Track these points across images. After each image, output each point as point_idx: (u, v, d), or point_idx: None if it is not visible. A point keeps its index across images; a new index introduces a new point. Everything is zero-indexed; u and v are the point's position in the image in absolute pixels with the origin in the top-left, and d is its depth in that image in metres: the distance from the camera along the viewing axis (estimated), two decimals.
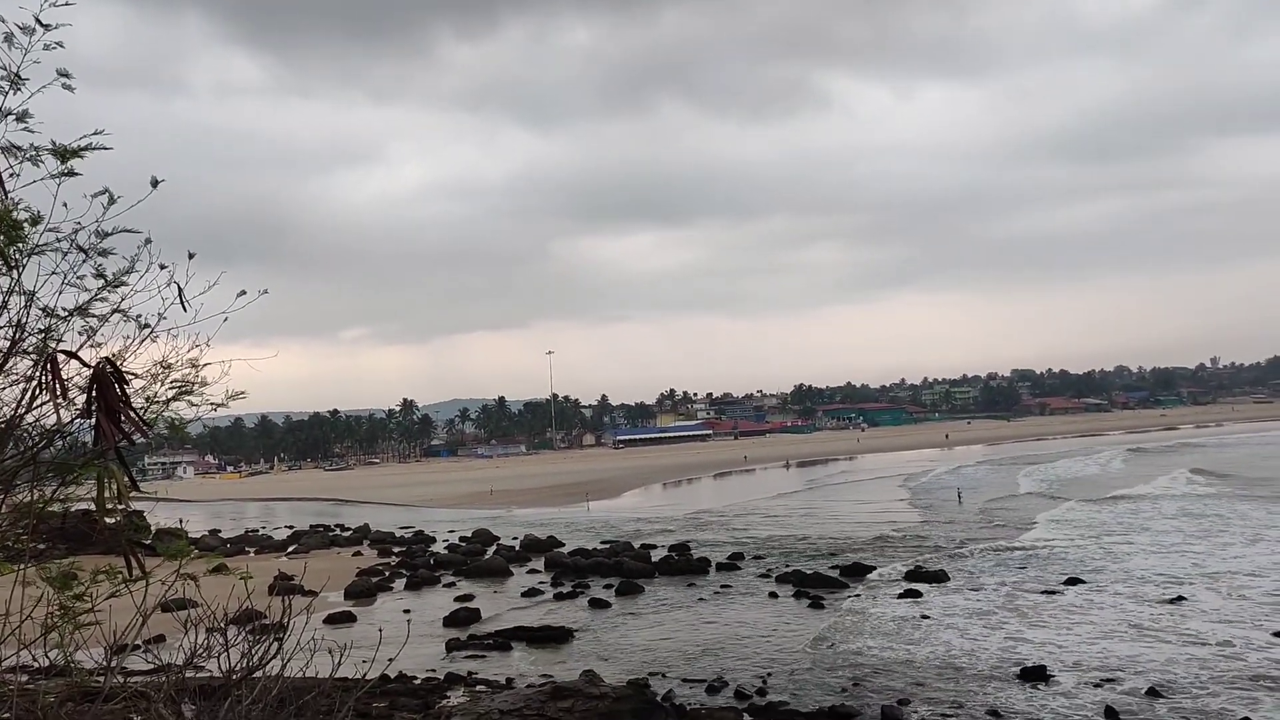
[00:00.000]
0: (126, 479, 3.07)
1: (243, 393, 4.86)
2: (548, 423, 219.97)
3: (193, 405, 4.65)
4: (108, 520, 3.36)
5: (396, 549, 48.38)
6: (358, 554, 47.54)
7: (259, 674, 5.05)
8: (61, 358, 3.45)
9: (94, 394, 2.67)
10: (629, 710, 16.03)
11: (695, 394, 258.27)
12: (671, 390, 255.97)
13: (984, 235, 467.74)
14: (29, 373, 4.04)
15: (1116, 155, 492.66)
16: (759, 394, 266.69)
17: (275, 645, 5.12)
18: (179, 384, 4.54)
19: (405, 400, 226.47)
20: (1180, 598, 26.11)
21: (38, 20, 3.99)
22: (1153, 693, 18.02)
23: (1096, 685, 18.80)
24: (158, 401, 4.49)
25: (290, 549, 51.62)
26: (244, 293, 4.76)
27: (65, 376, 3.49)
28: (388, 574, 39.12)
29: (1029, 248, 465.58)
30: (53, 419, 3.72)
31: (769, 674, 21.03)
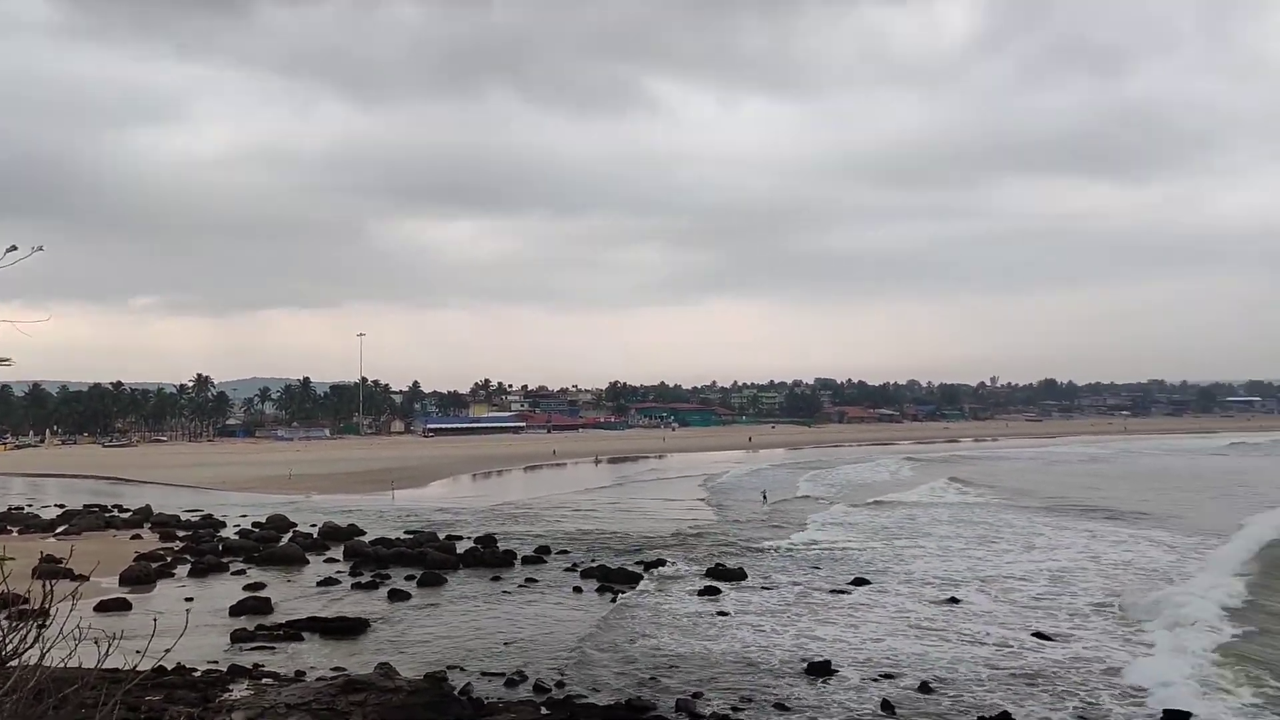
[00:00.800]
0: None
1: (8, 359, 4.36)
2: (355, 407, 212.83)
3: None
4: None
5: (181, 533, 45.51)
6: (137, 537, 44.46)
7: (13, 664, 4.57)
8: None
9: None
10: (424, 704, 15.69)
11: (510, 385, 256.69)
12: (486, 380, 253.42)
13: (796, 248, 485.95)
14: None
15: (918, 182, 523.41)
16: (574, 389, 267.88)
17: (35, 632, 4.63)
18: None
19: (199, 376, 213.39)
20: (955, 599, 28.01)
21: None
22: (925, 688, 19.23)
23: (876, 680, 19.89)
24: None
25: (60, 530, 47.63)
26: (14, 248, 4.27)
27: None
28: (170, 559, 36.75)
29: (837, 263, 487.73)
30: None
31: (569, 667, 21.10)
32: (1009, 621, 25.32)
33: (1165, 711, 17.10)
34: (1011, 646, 22.63)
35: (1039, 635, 23.59)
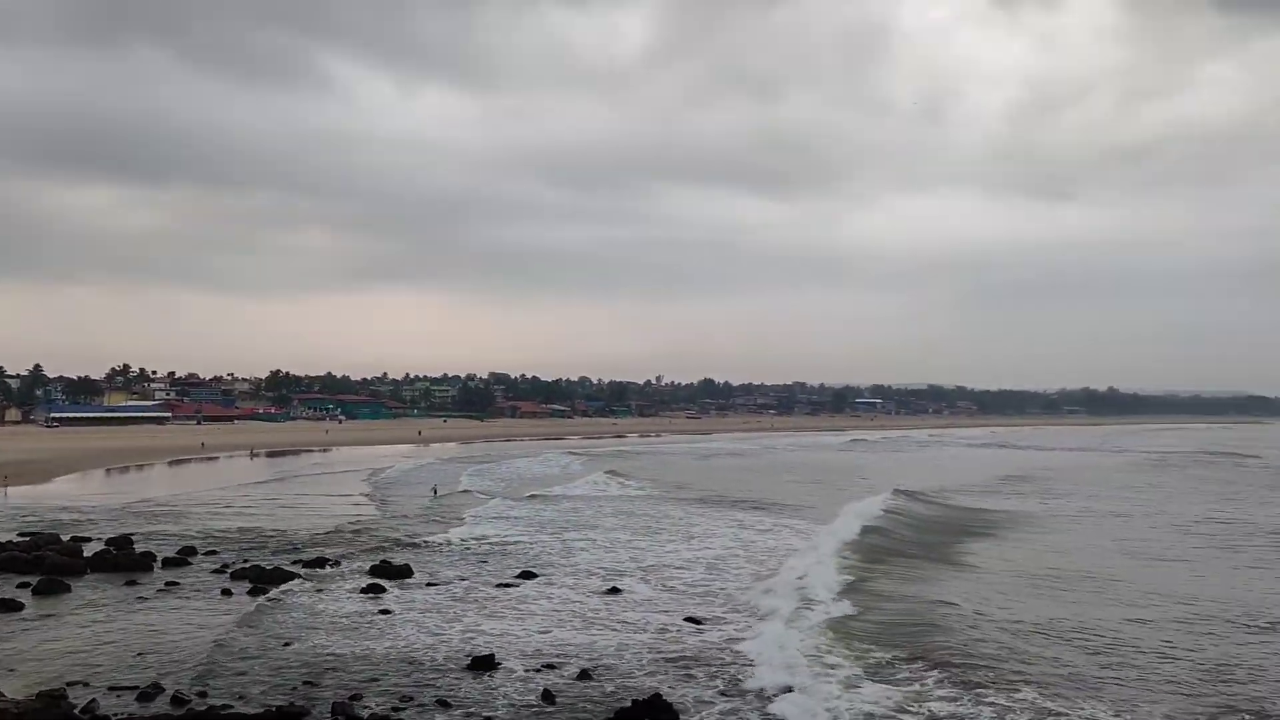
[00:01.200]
0: None
1: None
2: None
3: None
4: None
5: None
6: None
7: None
8: None
9: None
10: None
11: (154, 372, 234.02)
12: (125, 366, 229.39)
13: (472, 241, 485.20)
14: None
15: (593, 185, 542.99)
16: (229, 377, 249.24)
17: None
18: None
19: None
20: (617, 589, 29.14)
21: None
22: (585, 675, 19.82)
23: (539, 671, 20.21)
24: None
25: None
26: None
27: None
28: None
29: (513, 259, 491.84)
30: None
31: (214, 676, 19.53)
32: (668, 608, 26.74)
33: (781, 688, 18.84)
34: (670, 632, 23.89)
35: (692, 620, 25.13)
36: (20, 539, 36.73)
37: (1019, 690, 18.56)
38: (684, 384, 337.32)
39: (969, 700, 17.95)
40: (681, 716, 17.22)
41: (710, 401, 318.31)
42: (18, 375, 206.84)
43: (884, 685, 18.84)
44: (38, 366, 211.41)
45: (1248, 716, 17.57)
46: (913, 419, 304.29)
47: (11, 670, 19.89)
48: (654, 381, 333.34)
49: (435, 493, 58.26)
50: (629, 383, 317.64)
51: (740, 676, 19.89)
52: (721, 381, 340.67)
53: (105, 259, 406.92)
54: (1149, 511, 54.16)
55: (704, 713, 17.61)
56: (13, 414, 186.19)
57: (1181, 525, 47.69)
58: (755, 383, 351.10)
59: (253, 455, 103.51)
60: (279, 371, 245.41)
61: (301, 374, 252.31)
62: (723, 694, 18.77)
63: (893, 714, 17.21)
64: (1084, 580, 31.45)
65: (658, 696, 17.85)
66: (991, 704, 17.69)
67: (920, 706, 17.59)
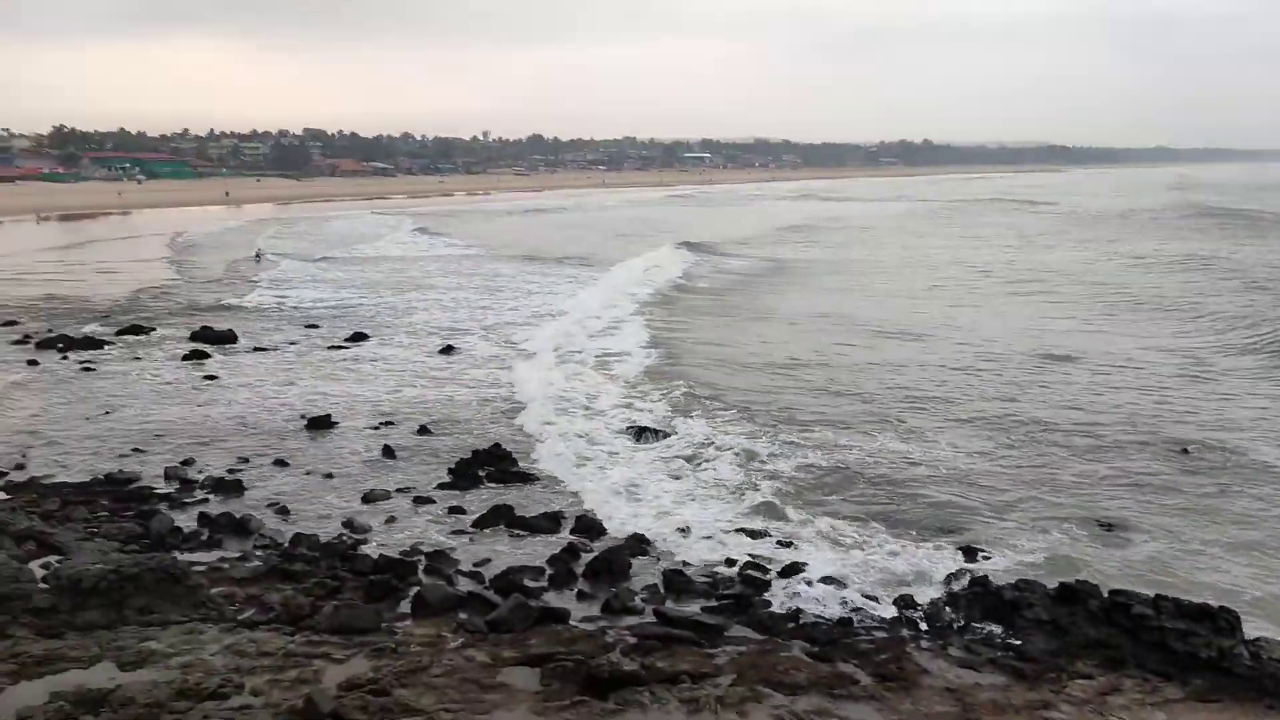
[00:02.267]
0: None
1: None
2: None
3: None
4: None
5: None
6: None
7: None
8: None
9: None
10: None
11: None
12: None
13: None
14: None
15: None
16: (6, 133, 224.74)
17: None
18: None
19: None
20: (451, 347, 29.25)
21: None
22: (423, 430, 20.16)
23: (376, 428, 20.40)
24: None
25: None
26: None
27: None
28: None
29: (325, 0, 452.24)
30: None
31: (30, 448, 18.77)
32: (499, 363, 27.15)
33: (633, 429, 19.86)
34: (501, 386, 24.34)
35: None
36: None
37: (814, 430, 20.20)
38: (513, 140, 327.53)
39: (766, 438, 19.29)
40: (517, 458, 18.00)
41: (540, 158, 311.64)
42: None
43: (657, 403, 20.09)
44: None
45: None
46: (740, 173, 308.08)
47: None
48: (481, 138, 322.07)
49: (258, 257, 55.65)
50: (455, 139, 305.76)
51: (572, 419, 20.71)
52: (551, 138, 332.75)
53: None
54: (918, 260, 56.53)
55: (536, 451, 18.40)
56: None
57: (952, 270, 50.88)
58: (586, 138, 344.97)
59: (40, 219, 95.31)
60: (63, 127, 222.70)
61: (91, 130, 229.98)
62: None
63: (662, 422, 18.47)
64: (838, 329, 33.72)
65: (498, 446, 18.45)
66: (788, 441, 19.13)
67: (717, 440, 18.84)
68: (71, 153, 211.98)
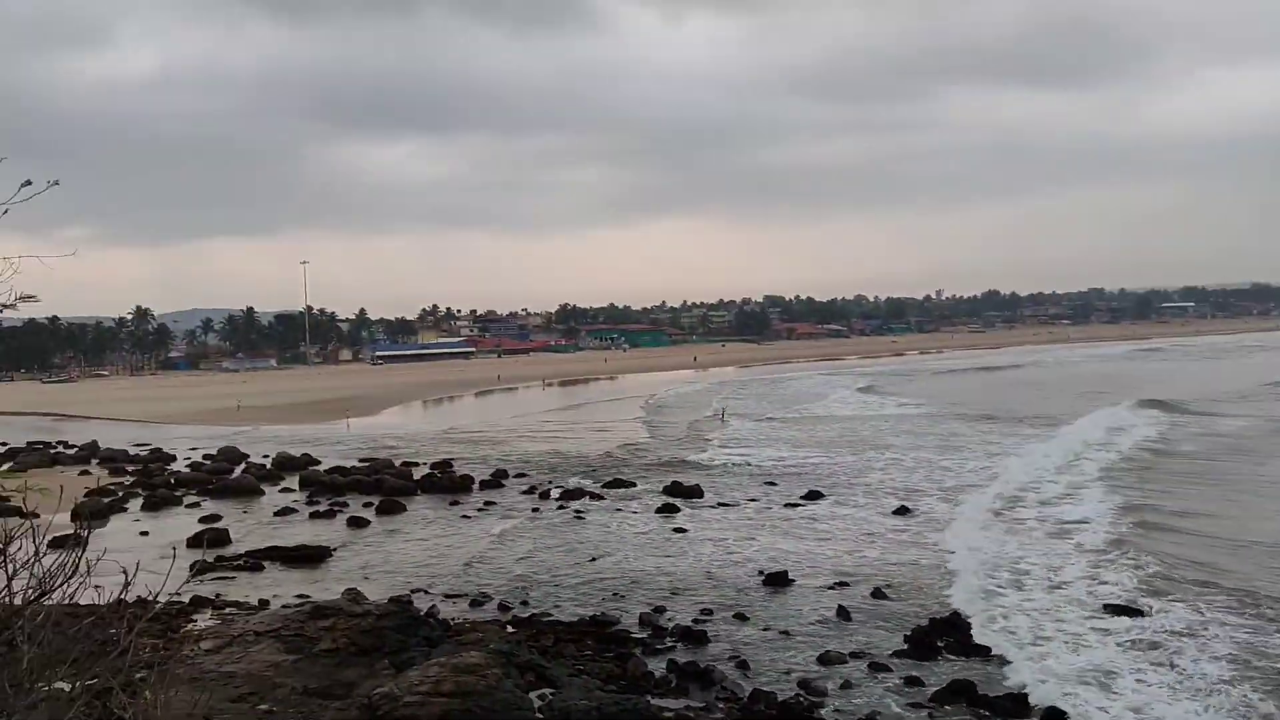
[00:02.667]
0: None
1: (34, 296, 4.27)
2: (301, 337, 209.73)
3: None
4: None
5: (130, 467, 44.99)
6: (85, 473, 43.76)
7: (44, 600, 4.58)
8: None
9: None
10: (392, 627, 15.87)
11: (459, 311, 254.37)
12: (434, 306, 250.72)
13: (742, 165, 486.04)
14: None
15: (860, 96, 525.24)
16: (524, 312, 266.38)
17: (73, 563, 4.58)
18: None
19: (138, 308, 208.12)
20: (906, 509, 28.77)
21: None
22: (878, 593, 19.87)
23: (831, 588, 20.50)
24: None
25: (3, 467, 46.77)
26: (29, 183, 4.12)
27: None
28: (121, 494, 36.37)
29: (783, 179, 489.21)
30: None
31: (533, 587, 21.43)
32: (955, 526, 26.10)
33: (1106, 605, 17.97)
34: (956, 551, 23.30)
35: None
36: (361, 464, 41.69)
37: None
38: (966, 297, 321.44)
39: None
40: (973, 629, 16.98)
41: (995, 314, 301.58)
42: (347, 319, 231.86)
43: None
44: (362, 311, 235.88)
45: None
46: (1233, 323, 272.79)
47: (367, 578, 22.83)
48: (933, 296, 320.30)
49: (723, 417, 59.69)
50: (907, 299, 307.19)
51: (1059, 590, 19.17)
52: (1007, 292, 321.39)
53: (411, 208, 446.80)
54: None
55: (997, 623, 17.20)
56: (345, 354, 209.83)
57: None
58: (1045, 291, 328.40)
59: (545, 385, 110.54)
60: (566, 305, 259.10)
61: (586, 306, 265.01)
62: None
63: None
64: None
65: (956, 614, 17.63)
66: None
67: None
68: (572, 326, 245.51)
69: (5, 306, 4.30)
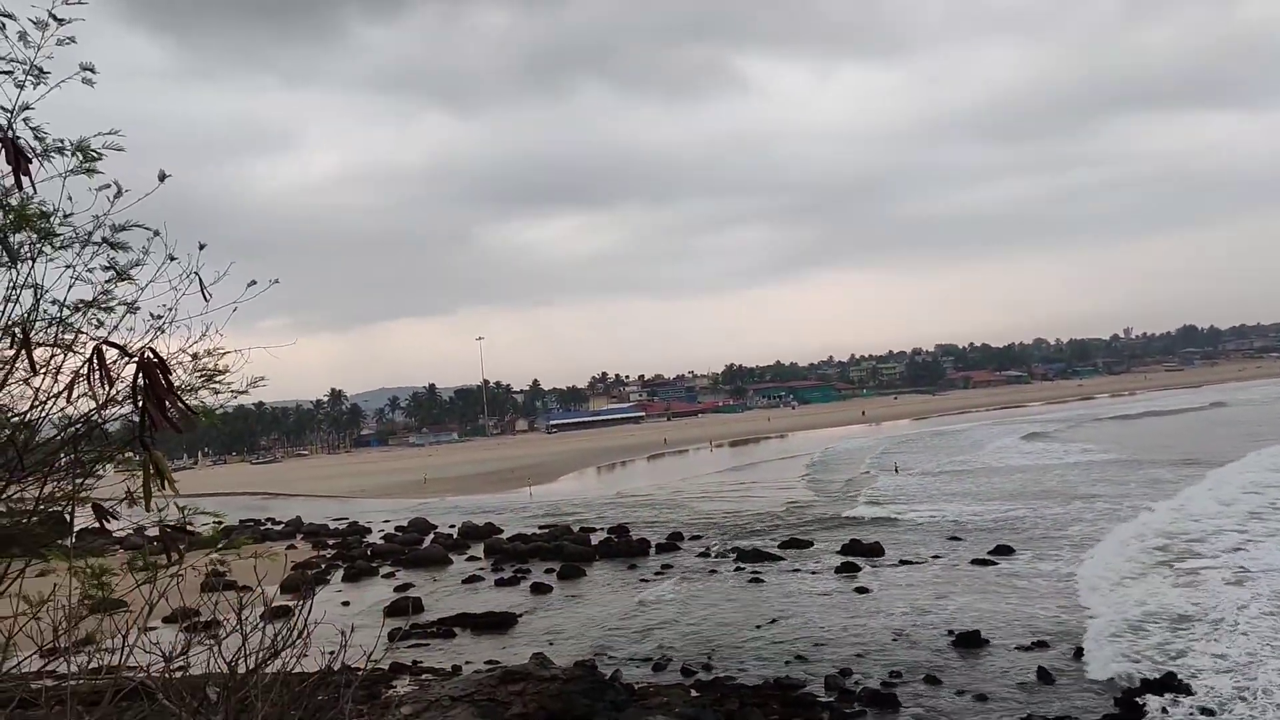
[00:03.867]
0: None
1: (264, 378, 4.92)
2: (480, 409, 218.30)
3: (216, 393, 4.71)
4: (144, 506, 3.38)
5: (331, 540, 47.75)
6: (292, 547, 46.80)
7: (269, 667, 5.10)
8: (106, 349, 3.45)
9: (140, 382, 2.68)
10: (580, 691, 16.17)
11: (627, 376, 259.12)
12: (603, 374, 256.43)
13: (903, 214, 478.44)
14: (55, 362, 4.03)
15: (1023, 135, 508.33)
16: (690, 375, 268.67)
17: (296, 632, 5.11)
18: (203, 372, 4.56)
19: (333, 390, 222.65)
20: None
21: (51, 15, 3.93)
22: (1079, 653, 18.76)
23: (1028, 649, 19.49)
24: (186, 390, 4.50)
25: (220, 544, 50.41)
26: (254, 282, 4.79)
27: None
28: (324, 566, 38.64)
29: (945, 226, 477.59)
30: (87, 407, 3.73)
31: (714, 650, 21.36)
32: (1155, 581, 24.38)
33: None
34: (1148, 604, 21.74)
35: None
36: (541, 531, 42.79)
37: None
38: (1158, 334, 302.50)
39: None
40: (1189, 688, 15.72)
41: (1193, 351, 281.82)
42: (522, 391, 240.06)
43: None
44: (535, 382, 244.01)
45: None
46: None
47: (552, 643, 23.33)
48: (1121, 335, 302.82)
49: (896, 470, 58.21)
50: (1092, 340, 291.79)
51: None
52: (1205, 326, 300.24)
53: (575, 280, 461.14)
54: None
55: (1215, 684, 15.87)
56: (521, 424, 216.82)
57: None
58: (1249, 324, 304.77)
59: (713, 447, 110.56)
60: (732, 365, 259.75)
61: (752, 365, 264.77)
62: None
63: None
64: None
65: (1172, 676, 16.43)
66: None
67: None
68: (739, 386, 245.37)
69: (241, 392, 4.88)
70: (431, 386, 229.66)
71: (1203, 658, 17.84)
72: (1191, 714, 15.13)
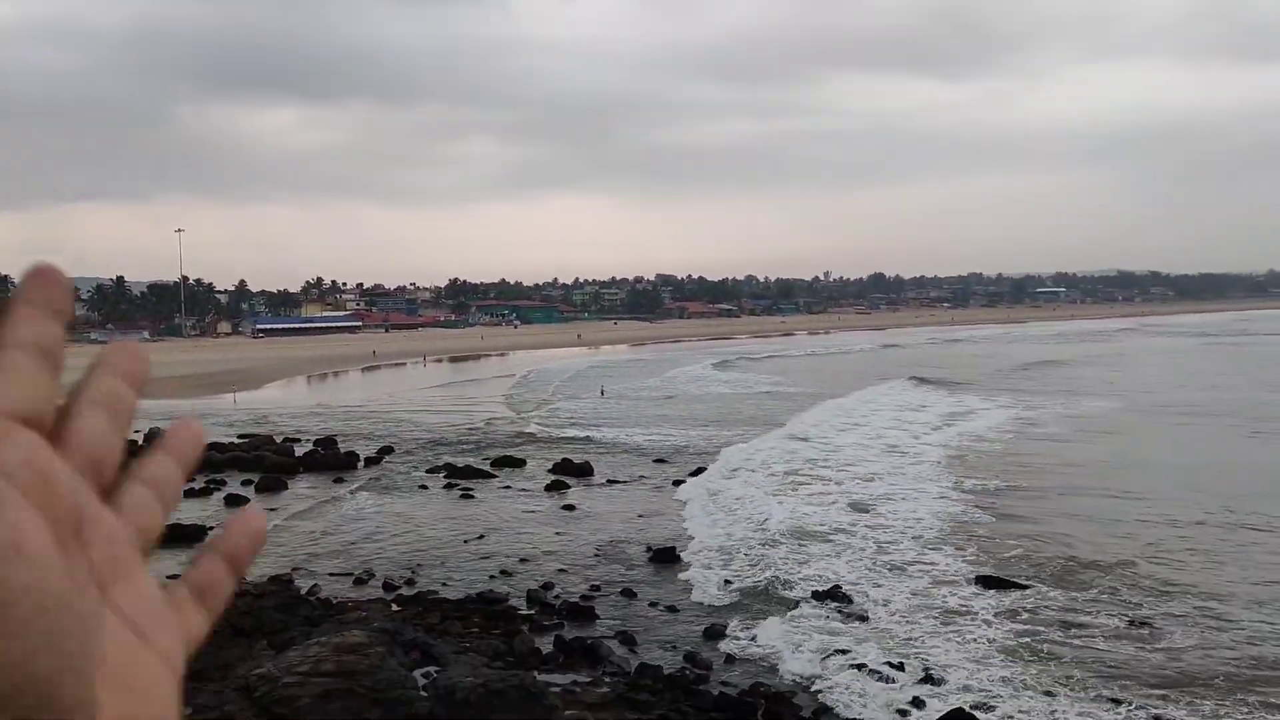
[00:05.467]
0: None
1: None
2: (176, 308, 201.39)
3: None
4: None
5: None
6: None
7: None
8: None
9: None
10: (272, 606, 15.49)
11: (345, 284, 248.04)
12: (319, 279, 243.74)
13: (634, 142, 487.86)
14: None
15: (751, 78, 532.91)
16: (413, 286, 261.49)
17: None
18: None
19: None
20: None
21: None
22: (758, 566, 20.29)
23: (708, 567, 20.74)
24: None
25: None
26: None
27: None
28: None
29: (674, 158, 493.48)
30: None
31: (419, 565, 21.16)
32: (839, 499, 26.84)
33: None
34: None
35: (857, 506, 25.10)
36: (240, 440, 40.29)
37: None
38: (853, 279, 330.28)
39: None
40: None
41: (881, 296, 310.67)
42: (225, 290, 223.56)
43: None
44: (242, 282, 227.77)
45: None
46: (1100, 308, 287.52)
47: None
48: (821, 278, 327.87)
49: (602, 393, 59.88)
50: (796, 280, 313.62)
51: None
52: (892, 275, 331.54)
53: (293, 177, 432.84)
54: None
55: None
56: (224, 326, 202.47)
57: None
58: (928, 275, 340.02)
59: (425, 362, 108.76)
60: (456, 279, 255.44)
61: (477, 281, 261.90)
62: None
63: None
64: None
65: (837, 588, 18.17)
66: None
67: None
68: (462, 302, 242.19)
69: None
70: (120, 279, 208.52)
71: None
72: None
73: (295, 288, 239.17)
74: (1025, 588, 18.36)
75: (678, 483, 30.41)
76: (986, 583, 18.61)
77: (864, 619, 16.95)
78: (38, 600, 0.40)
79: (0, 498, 0.41)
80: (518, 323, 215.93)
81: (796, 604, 17.58)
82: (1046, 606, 17.38)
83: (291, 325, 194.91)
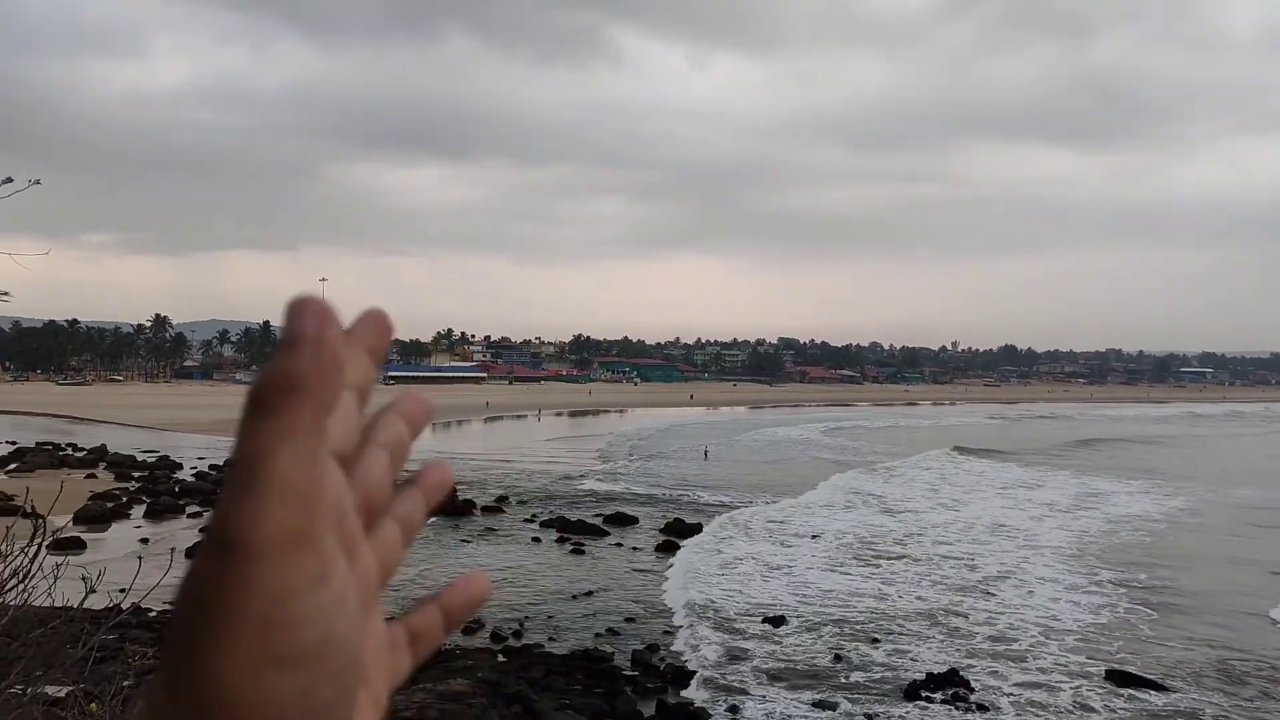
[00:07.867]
0: None
1: (6, 294, 4.25)
2: None
3: None
4: None
5: (137, 473, 45.05)
6: (92, 476, 43.92)
7: None
8: None
9: None
10: None
11: (472, 335, 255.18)
12: (448, 330, 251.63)
13: (761, 206, 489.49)
14: None
15: (881, 145, 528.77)
16: (537, 341, 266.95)
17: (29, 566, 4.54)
18: None
19: (157, 316, 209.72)
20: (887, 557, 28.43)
21: None
22: (873, 640, 19.64)
23: (811, 629, 20.20)
24: None
25: (11, 467, 46.91)
26: (10, 179, 4.08)
27: None
28: (125, 499, 36.40)
29: (801, 223, 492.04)
30: None
31: (527, 617, 21.26)
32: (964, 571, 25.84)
33: None
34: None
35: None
36: None
37: None
38: (982, 350, 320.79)
39: None
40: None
41: (1011, 369, 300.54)
42: None
43: None
44: None
45: None
46: (1251, 390, 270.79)
47: None
48: (949, 347, 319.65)
49: (706, 455, 59.40)
50: (922, 349, 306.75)
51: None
52: (1024, 348, 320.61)
53: (429, 232, 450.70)
54: None
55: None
56: None
57: None
58: (1063, 349, 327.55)
59: (539, 416, 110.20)
60: (580, 335, 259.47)
61: (601, 338, 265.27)
62: None
63: None
64: None
65: (954, 672, 17.39)
66: None
67: None
68: (584, 357, 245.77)
69: None
70: (266, 323, 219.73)
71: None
72: None
73: (426, 337, 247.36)
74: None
75: (788, 545, 29.83)
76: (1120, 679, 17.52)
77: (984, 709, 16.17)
78: (349, 651, 0.45)
79: (327, 549, 0.44)
80: (638, 380, 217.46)
81: (917, 692, 16.85)
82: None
83: (420, 373, 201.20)
